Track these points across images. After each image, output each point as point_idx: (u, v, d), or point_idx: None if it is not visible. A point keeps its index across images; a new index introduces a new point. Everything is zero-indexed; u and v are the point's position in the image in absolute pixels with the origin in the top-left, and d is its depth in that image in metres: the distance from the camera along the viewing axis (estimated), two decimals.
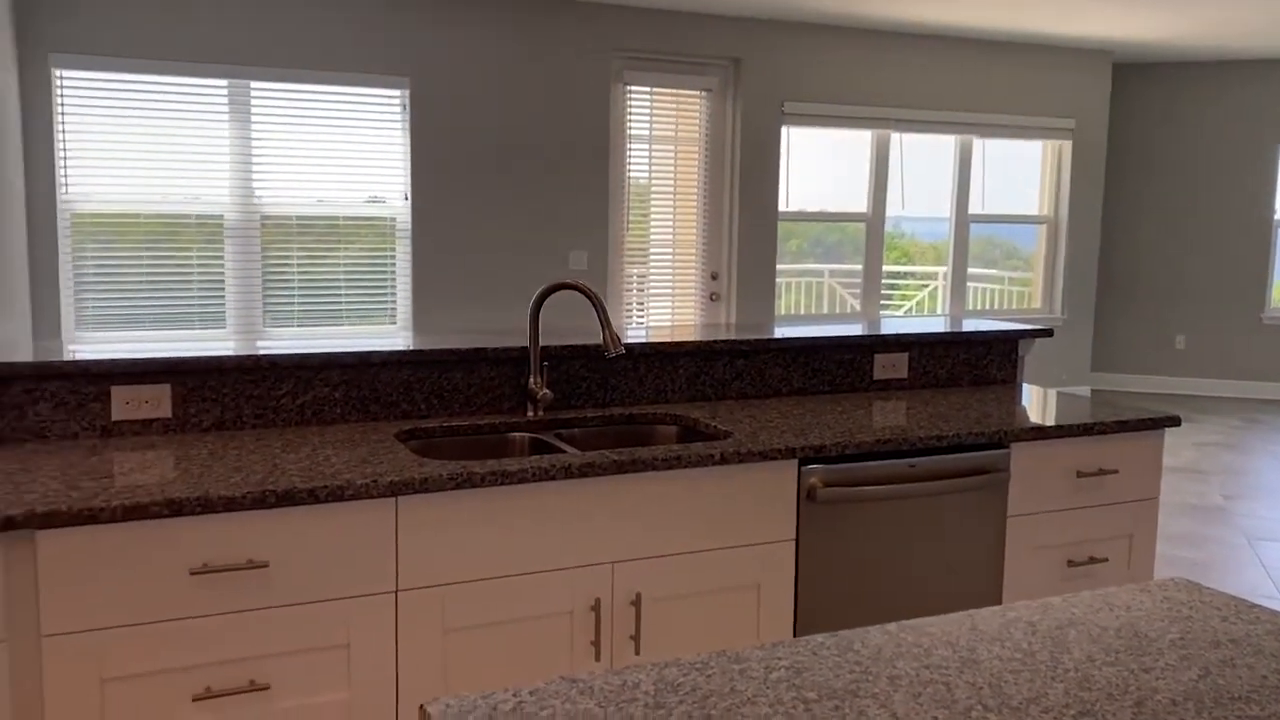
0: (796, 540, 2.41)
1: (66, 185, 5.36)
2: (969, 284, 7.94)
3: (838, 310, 7.67)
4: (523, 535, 2.15)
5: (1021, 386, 3.30)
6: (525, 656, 2.19)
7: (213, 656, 1.93)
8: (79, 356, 2.34)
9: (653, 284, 6.68)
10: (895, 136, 7.39)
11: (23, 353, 2.38)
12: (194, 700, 1.92)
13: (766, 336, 3.02)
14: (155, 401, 2.38)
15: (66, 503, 1.82)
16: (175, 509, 1.87)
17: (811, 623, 2.45)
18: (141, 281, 5.55)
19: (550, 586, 2.18)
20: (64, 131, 5.32)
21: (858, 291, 7.59)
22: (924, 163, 7.70)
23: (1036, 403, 3.01)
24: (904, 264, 8.24)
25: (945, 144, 7.69)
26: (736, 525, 2.34)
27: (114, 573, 1.84)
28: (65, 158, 5.34)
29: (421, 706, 1.13)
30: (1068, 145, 7.96)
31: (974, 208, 7.89)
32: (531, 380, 2.68)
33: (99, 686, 1.85)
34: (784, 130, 6.90)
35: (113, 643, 1.85)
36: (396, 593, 2.06)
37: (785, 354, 3.03)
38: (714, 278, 6.76)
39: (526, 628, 2.18)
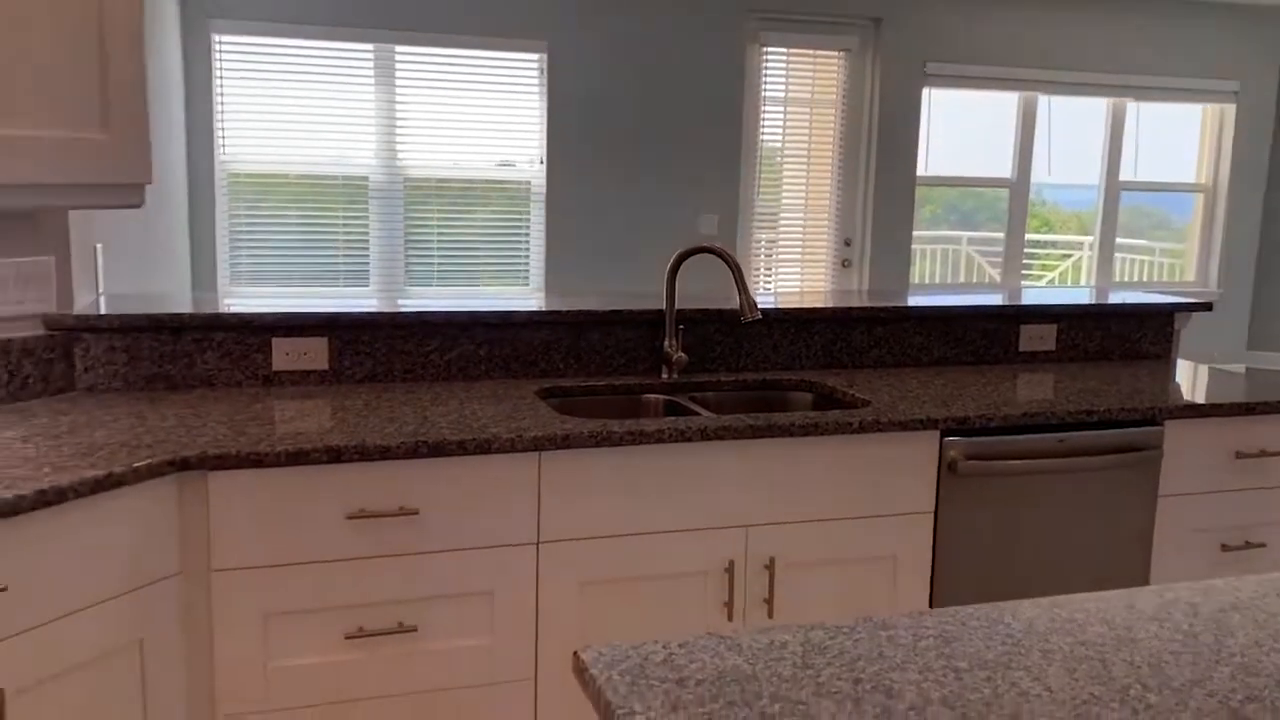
0: (935, 513, 2.38)
1: (224, 146, 5.61)
2: (1117, 255, 7.60)
3: (975, 280, 7.45)
4: (659, 495, 2.18)
5: (1176, 362, 3.16)
6: (659, 613, 2.22)
7: (365, 598, 2.02)
8: (243, 310, 2.46)
9: (782, 249, 6.61)
10: (1043, 99, 7.10)
11: (190, 305, 2.53)
12: (347, 638, 2.02)
13: (906, 304, 2.97)
14: (313, 354, 2.50)
15: (235, 446, 1.93)
16: (334, 455, 1.96)
17: (948, 597, 2.42)
18: (291, 240, 5.79)
19: (685, 547, 2.21)
20: (222, 94, 5.57)
21: (997, 260, 7.36)
22: (1072, 127, 7.38)
23: (1192, 379, 2.87)
24: (1045, 233, 7.94)
25: (1096, 108, 7.35)
26: (873, 495, 2.32)
27: (277, 514, 1.95)
28: (223, 119, 5.59)
29: (576, 653, 1.17)
30: (1230, 109, 7.51)
31: (1124, 175, 7.53)
32: (667, 343, 2.70)
33: (262, 621, 1.97)
34: (925, 92, 6.71)
35: (274, 580, 1.96)
36: (538, 544, 2.12)
37: (926, 322, 2.97)
38: (846, 244, 6.65)
39: (661, 585, 2.21)
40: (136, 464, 1.81)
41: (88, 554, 1.75)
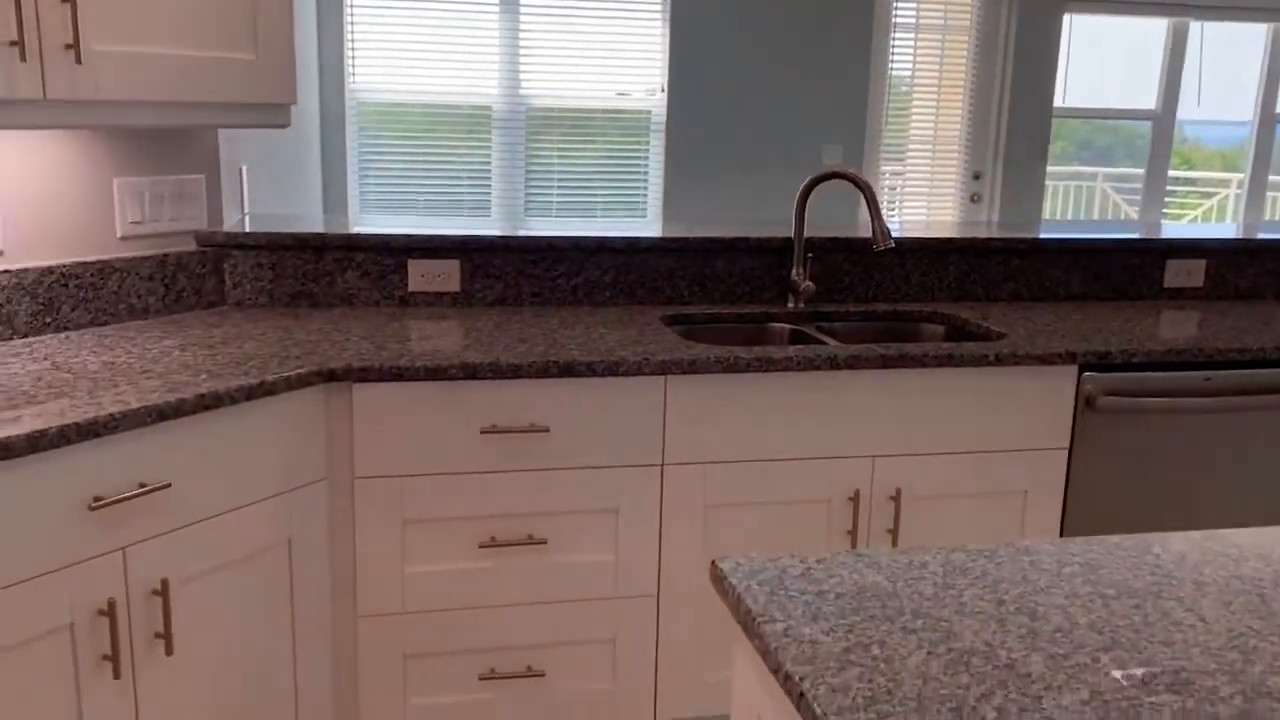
0: (1070, 449, 2.31)
1: (353, 76, 5.73)
2: (1270, 194, 7.17)
3: (1110, 218, 7.14)
4: (784, 422, 2.17)
5: None
6: (782, 538, 2.24)
7: (497, 510, 2.09)
8: (381, 232, 2.53)
9: (909, 182, 6.44)
10: (1195, 26, 6.68)
11: (331, 227, 2.61)
12: (480, 547, 2.09)
13: (1046, 235, 2.86)
14: (446, 275, 2.55)
15: (377, 360, 2.00)
16: (469, 372, 2.01)
17: (1080, 535, 2.36)
18: (416, 170, 5.90)
19: (809, 474, 2.21)
20: (352, 25, 5.67)
21: (1134, 199, 7.02)
22: (1224, 57, 6.94)
23: None
24: (1185, 170, 7.52)
25: (1254, 34, 6.88)
26: (1005, 430, 2.27)
27: (415, 426, 2.02)
28: (353, 49, 5.69)
29: (714, 563, 1.18)
30: None
31: None
32: (794, 271, 2.68)
33: (400, 527, 2.05)
34: (1065, 19, 6.39)
35: (413, 489, 2.04)
36: (662, 466, 2.15)
37: (1065, 255, 2.86)
38: (976, 177, 6.44)
39: (784, 511, 2.22)
40: (287, 374, 1.89)
41: (242, 457, 1.84)
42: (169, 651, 1.74)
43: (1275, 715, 0.89)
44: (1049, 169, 6.68)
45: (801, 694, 0.92)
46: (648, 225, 2.90)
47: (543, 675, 2.16)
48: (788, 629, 1.03)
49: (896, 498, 2.24)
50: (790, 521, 2.23)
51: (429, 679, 2.12)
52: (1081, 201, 7.18)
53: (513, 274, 2.60)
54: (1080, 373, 2.28)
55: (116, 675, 1.67)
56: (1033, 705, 0.90)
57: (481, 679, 2.13)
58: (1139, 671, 0.95)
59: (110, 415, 1.63)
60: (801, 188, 2.63)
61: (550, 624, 2.15)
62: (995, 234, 2.86)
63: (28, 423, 1.57)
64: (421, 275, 2.54)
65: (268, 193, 3.72)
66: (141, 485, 1.69)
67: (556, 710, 2.18)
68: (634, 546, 2.17)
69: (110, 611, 1.65)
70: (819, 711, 0.89)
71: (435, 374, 2.00)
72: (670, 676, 2.22)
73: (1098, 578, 1.16)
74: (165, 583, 1.73)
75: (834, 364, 2.16)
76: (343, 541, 2.05)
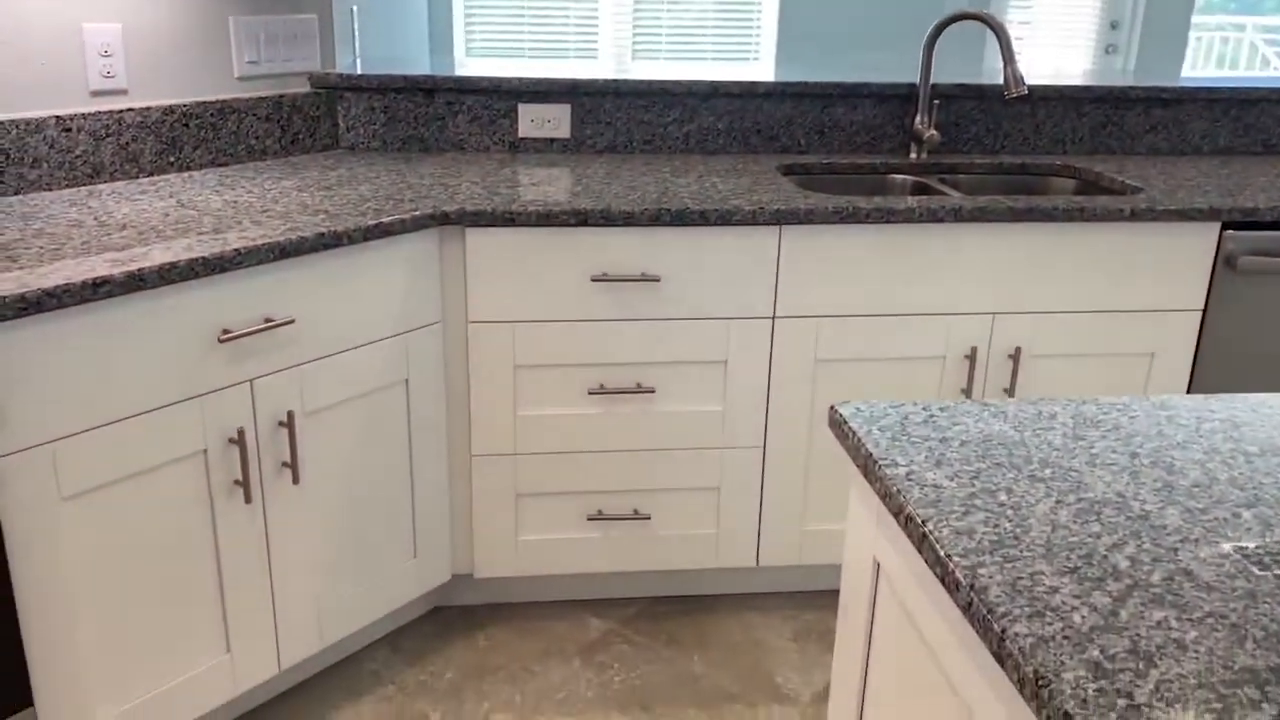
0: (1204, 311, 2.20)
1: None
2: None
3: (1258, 73, 6.62)
4: (902, 276, 2.11)
5: None
6: (893, 397, 2.20)
7: (606, 358, 2.10)
8: (492, 74, 2.49)
9: (1039, 32, 6.05)
10: None
11: (440, 70, 2.57)
12: (589, 394, 2.11)
13: (1191, 83, 2.66)
14: (556, 121, 2.51)
15: (489, 205, 1.99)
16: (581, 219, 1.99)
17: None
18: (522, 13, 5.77)
19: (925, 331, 2.15)
20: None
21: None
22: None
23: None
24: None
25: None
26: (1136, 288, 2.17)
27: (527, 272, 2.02)
28: None
29: (833, 407, 1.16)
30: None
31: None
32: (918, 119, 2.56)
33: (512, 372, 2.08)
34: None
35: (524, 334, 2.06)
36: (773, 319, 2.12)
37: (1214, 106, 2.67)
38: (1113, 27, 6.01)
39: (896, 368, 2.18)
40: (402, 215, 1.90)
41: (361, 297, 1.88)
42: (295, 480, 1.82)
43: None
44: (1193, 19, 6.19)
45: (924, 536, 0.91)
46: (762, 69, 2.79)
47: (648, 518, 2.20)
48: (910, 473, 1.01)
49: (1015, 357, 2.17)
50: (902, 380, 2.19)
51: (539, 517, 2.18)
52: (1227, 54, 6.68)
53: (624, 120, 2.54)
54: (1222, 230, 2.15)
55: (248, 500, 1.75)
56: (1168, 557, 0.87)
57: (589, 519, 2.19)
58: (1275, 519, 0.91)
59: (235, 251, 1.66)
60: (930, 31, 2.48)
61: (657, 470, 2.18)
62: (1135, 82, 2.67)
63: (158, 256, 1.61)
64: (531, 120, 2.51)
65: (376, 37, 3.69)
66: (267, 320, 1.74)
67: (660, 552, 2.23)
68: (741, 398, 2.16)
69: (240, 440, 1.73)
70: (942, 554, 0.87)
71: (547, 220, 1.98)
72: (772, 525, 2.25)
73: (1239, 435, 1.11)
74: (291, 415, 1.80)
75: (958, 216, 2.08)
76: (457, 384, 2.09)
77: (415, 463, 2.06)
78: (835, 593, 2.39)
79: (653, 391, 2.12)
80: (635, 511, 2.21)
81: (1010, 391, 2.20)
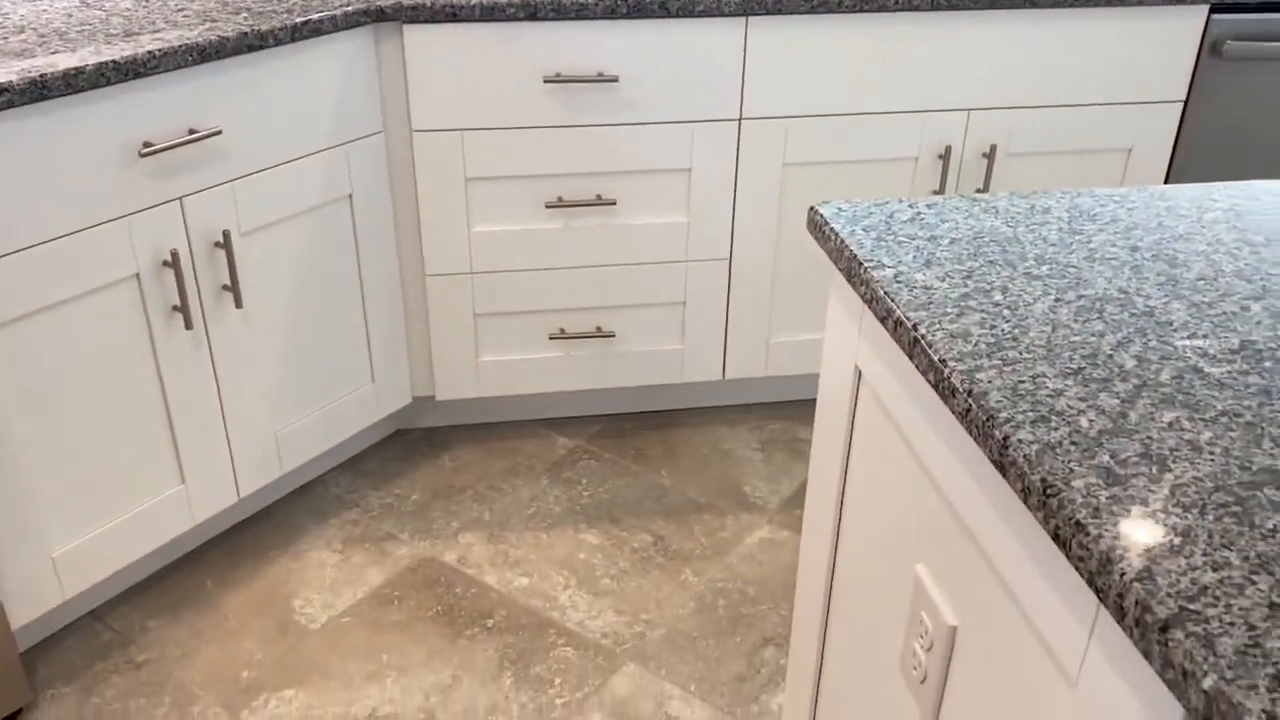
0: (1185, 103, 2.11)
1: None
2: None
3: None
4: (875, 72, 1.99)
5: None
6: (866, 193, 2.11)
7: (564, 168, 1.98)
8: None
9: None
10: None
11: None
12: (547, 207, 2.00)
13: None
14: None
15: None
16: (530, 12, 1.83)
17: None
18: None
19: (898, 130, 2.05)
20: None
21: None
22: None
23: None
24: None
25: None
26: (1115, 79, 2.06)
27: (473, 75, 1.87)
28: None
29: (812, 208, 1.08)
30: None
31: None
32: None
33: (463, 185, 1.96)
34: None
35: (474, 144, 1.93)
36: (740, 120, 2.00)
37: None
38: None
39: (867, 170, 2.09)
40: (332, 11, 1.73)
41: (293, 105, 1.73)
42: (238, 304, 1.72)
43: None
44: None
45: (916, 340, 0.84)
46: None
47: (612, 336, 2.14)
48: (898, 274, 0.93)
49: (990, 155, 2.08)
50: (874, 182, 2.10)
51: (499, 337, 2.11)
52: None
53: None
54: (1210, 14, 2.03)
55: (188, 326, 1.66)
56: (1175, 354, 0.81)
57: (551, 338, 2.12)
58: None
59: (150, 54, 1.50)
60: None
61: (620, 286, 2.10)
62: None
63: (63, 61, 1.45)
64: None
65: None
66: (191, 132, 1.60)
67: (625, 369, 2.18)
68: (707, 208, 2.06)
69: (174, 263, 1.61)
70: (936, 358, 0.81)
71: (492, 13, 1.82)
72: (739, 338, 2.20)
73: (1243, 224, 1.04)
74: (226, 234, 1.68)
75: (934, 4, 1.93)
76: (405, 199, 1.97)
77: (366, 284, 1.96)
78: (802, 403, 2.38)
79: (614, 204, 2.02)
80: (599, 329, 2.15)
81: (984, 191, 2.12)
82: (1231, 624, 0.56)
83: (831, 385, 1.11)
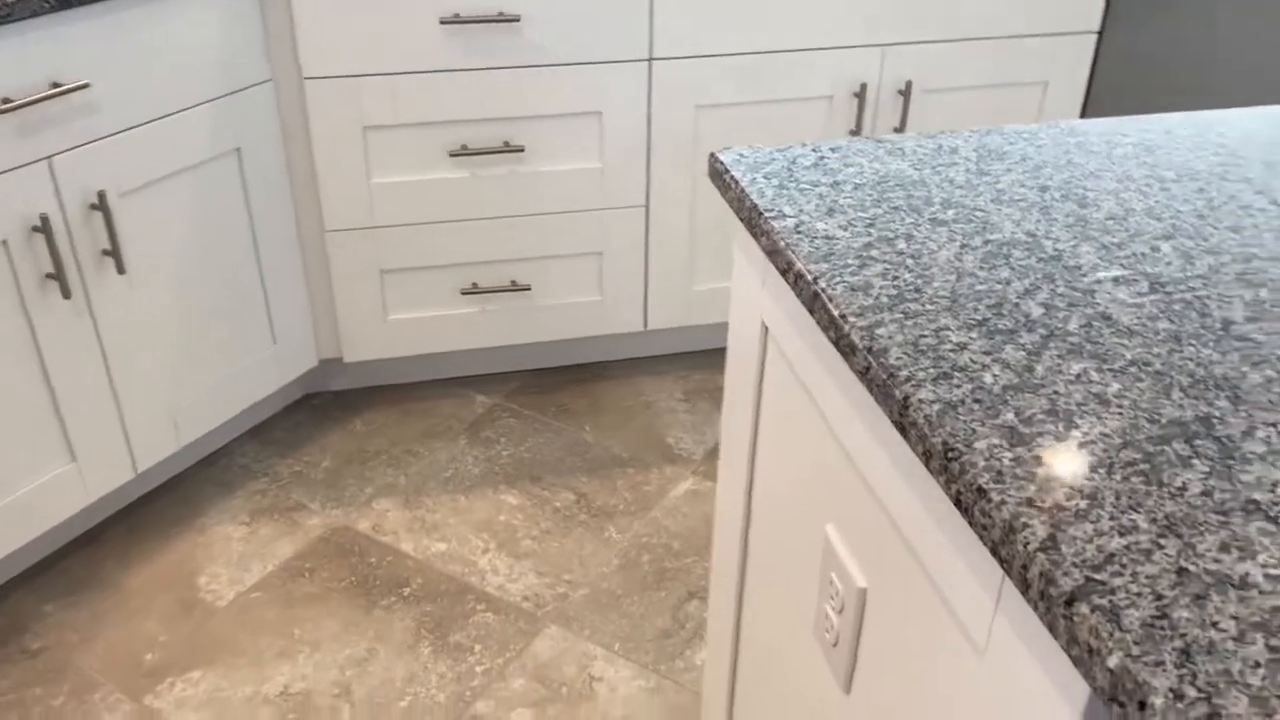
0: (1100, 34, 2.08)
1: None
2: None
3: None
4: (786, 8, 1.92)
5: None
6: (779, 141, 2.06)
7: (467, 114, 1.89)
8: None
9: None
10: None
11: None
12: (451, 155, 1.91)
13: None
14: None
15: None
16: None
17: None
18: None
19: (811, 68, 1.99)
20: None
21: None
22: None
23: None
24: None
25: None
26: (1029, 11, 2.02)
27: (366, 17, 1.76)
28: None
29: (712, 155, 1.02)
30: None
31: None
32: None
33: (361, 134, 1.86)
34: None
35: (370, 91, 1.83)
36: (650, 61, 1.92)
37: None
38: None
39: (782, 110, 2.03)
40: None
41: (168, 54, 1.61)
42: (121, 269, 1.62)
43: None
44: None
45: (816, 295, 0.79)
46: None
47: (528, 289, 2.07)
48: (799, 224, 0.88)
49: (906, 92, 2.04)
50: (790, 121, 2.04)
51: (408, 294, 2.03)
52: None
53: None
54: None
55: (66, 295, 1.55)
56: (1084, 300, 0.78)
57: (464, 294, 2.05)
58: (1194, 251, 0.83)
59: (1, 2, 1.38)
60: None
61: (534, 237, 2.03)
62: None
63: None
64: None
65: None
66: (54, 85, 1.48)
67: (544, 323, 2.12)
68: (620, 154, 1.99)
69: (45, 227, 1.50)
70: (836, 313, 0.76)
71: None
72: (659, 288, 2.14)
73: (1154, 160, 1.01)
74: (103, 195, 1.57)
75: None
76: (299, 152, 1.87)
77: (260, 243, 1.86)
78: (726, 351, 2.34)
79: (522, 150, 1.94)
80: (513, 283, 2.07)
81: (901, 130, 2.08)
82: (1139, 594, 0.53)
83: (739, 340, 1.06)
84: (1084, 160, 1.00)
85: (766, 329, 0.99)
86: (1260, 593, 0.53)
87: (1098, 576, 0.54)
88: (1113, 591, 0.53)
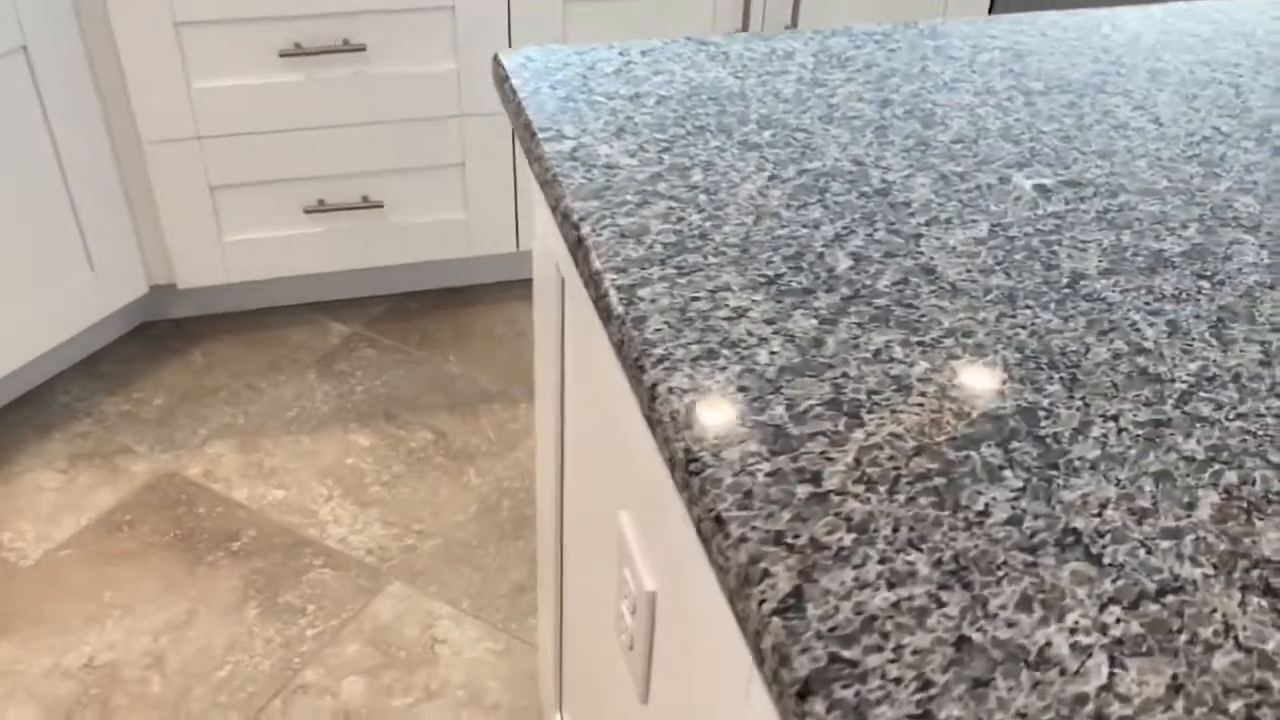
0: None
1: None
2: None
3: None
4: None
5: None
6: (659, 35, 1.86)
7: (296, 8, 1.66)
8: None
9: None
10: None
11: None
12: (282, 55, 1.69)
13: None
14: None
15: None
16: None
17: None
18: None
19: None
20: None
21: None
22: None
23: None
24: None
25: None
26: None
27: None
28: None
29: (496, 57, 0.84)
30: None
31: None
32: None
33: (172, 31, 1.63)
34: None
35: None
36: None
37: None
38: None
39: (662, 8, 1.83)
40: None
41: None
42: None
43: (1240, 251, 0.63)
44: None
45: (580, 240, 0.63)
46: None
47: (381, 206, 1.87)
48: (578, 148, 0.71)
49: None
50: (669, 21, 1.84)
51: (244, 213, 1.82)
52: None
53: None
54: None
55: None
56: (905, 248, 0.63)
57: (308, 212, 1.85)
58: (1050, 183, 0.68)
59: None
60: None
61: (385, 148, 1.83)
62: None
63: None
64: None
65: None
66: None
67: (402, 244, 1.93)
68: (477, 52, 1.78)
69: None
70: (597, 265, 0.60)
71: None
72: (532, 204, 1.96)
73: (1023, 67, 0.85)
74: None
75: None
76: (103, 51, 1.63)
77: (64, 157, 1.64)
78: None
79: (364, 49, 1.72)
80: (365, 199, 1.87)
81: (795, 15, 1.89)
82: (897, 681, 0.39)
83: (541, 284, 0.90)
84: (940, 68, 0.84)
85: (561, 276, 0.83)
86: (1062, 673, 0.39)
87: (846, 654, 0.40)
88: (863, 678, 0.39)
